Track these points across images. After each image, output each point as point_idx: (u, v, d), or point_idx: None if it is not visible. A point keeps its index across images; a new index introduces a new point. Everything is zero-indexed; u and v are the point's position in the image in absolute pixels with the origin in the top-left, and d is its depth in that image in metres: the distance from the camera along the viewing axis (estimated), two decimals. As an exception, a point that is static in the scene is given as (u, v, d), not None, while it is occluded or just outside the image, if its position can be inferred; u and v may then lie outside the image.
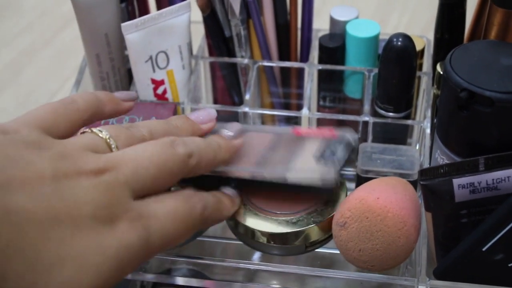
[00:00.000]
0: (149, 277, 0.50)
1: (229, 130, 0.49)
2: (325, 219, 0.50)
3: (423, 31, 0.86)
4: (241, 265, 0.49)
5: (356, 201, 0.47)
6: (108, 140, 0.39)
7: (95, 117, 0.42)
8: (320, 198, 0.50)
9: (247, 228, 0.50)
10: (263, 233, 0.50)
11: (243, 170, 0.48)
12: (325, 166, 0.48)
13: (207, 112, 0.49)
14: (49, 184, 0.33)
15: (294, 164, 0.49)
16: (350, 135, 0.51)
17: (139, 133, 0.41)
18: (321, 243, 0.51)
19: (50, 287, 0.32)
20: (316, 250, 0.55)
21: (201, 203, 0.42)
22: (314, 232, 0.50)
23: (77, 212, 0.33)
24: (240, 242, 0.53)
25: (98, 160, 0.36)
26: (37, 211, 0.32)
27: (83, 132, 0.40)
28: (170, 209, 0.39)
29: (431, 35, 0.61)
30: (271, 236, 0.50)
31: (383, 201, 0.46)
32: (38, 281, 0.32)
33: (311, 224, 0.50)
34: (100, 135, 0.39)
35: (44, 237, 0.32)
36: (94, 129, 0.39)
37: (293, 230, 0.50)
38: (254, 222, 0.50)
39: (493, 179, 0.44)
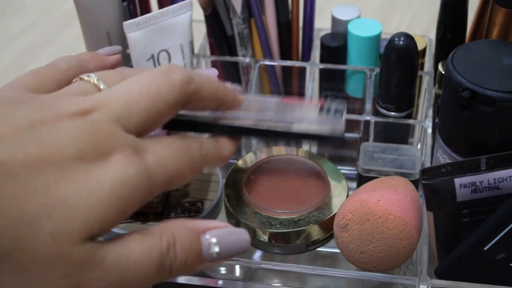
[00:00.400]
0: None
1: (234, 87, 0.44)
2: (326, 218, 0.50)
3: (425, 30, 0.86)
4: (243, 264, 0.49)
5: (357, 203, 0.47)
6: (96, 82, 0.37)
7: (80, 74, 0.39)
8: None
9: (249, 227, 0.50)
10: (265, 232, 0.50)
11: (246, 116, 0.43)
12: (333, 117, 0.45)
13: (211, 71, 0.46)
14: (26, 133, 0.31)
15: (300, 116, 0.45)
16: (338, 103, 0.47)
17: (129, 73, 0.38)
18: (323, 242, 0.51)
19: (38, 240, 0.29)
20: (318, 249, 0.55)
21: (197, 141, 0.39)
22: (316, 231, 0.50)
23: (59, 155, 0.31)
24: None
25: (83, 101, 0.34)
26: (14, 161, 0.30)
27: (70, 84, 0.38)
28: (167, 143, 0.36)
29: (433, 35, 0.61)
30: (273, 235, 0.50)
31: (384, 203, 0.46)
32: (23, 236, 0.29)
33: (312, 223, 0.50)
34: (87, 79, 0.37)
35: (25, 187, 0.30)
36: (82, 75, 0.37)
37: (294, 229, 0.50)
38: (256, 221, 0.50)
39: (494, 179, 0.44)
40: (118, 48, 0.45)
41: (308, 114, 0.46)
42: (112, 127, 0.33)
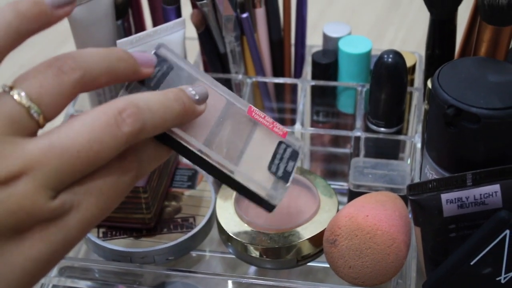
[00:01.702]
0: (143, 290, 0.51)
1: (195, 91, 0.39)
2: (316, 234, 0.51)
3: (418, 46, 0.87)
4: (235, 279, 0.50)
5: (345, 219, 0.47)
6: (30, 108, 0.31)
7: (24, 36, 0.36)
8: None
9: (240, 243, 0.51)
10: (256, 248, 0.50)
11: (192, 141, 0.40)
12: (277, 183, 0.43)
13: (148, 57, 0.39)
14: None
15: (245, 161, 0.42)
16: (297, 143, 0.46)
17: (70, 79, 0.33)
18: (313, 257, 0.52)
19: None
20: (310, 264, 0.56)
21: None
22: (306, 247, 0.51)
23: None
24: (234, 256, 0.54)
25: (11, 164, 0.30)
26: None
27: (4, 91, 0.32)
28: (98, 188, 0.33)
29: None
30: (263, 251, 0.50)
31: (373, 218, 0.47)
32: None
33: (302, 239, 0.50)
34: (17, 99, 0.31)
35: None
36: (12, 91, 0.32)
37: (284, 245, 0.50)
38: (247, 237, 0.51)
39: (480, 194, 0.44)
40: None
41: (260, 163, 0.43)
42: (36, 199, 0.30)
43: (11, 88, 0.32)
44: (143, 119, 0.33)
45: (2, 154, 0.30)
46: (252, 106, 0.45)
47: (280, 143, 0.45)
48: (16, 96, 0.32)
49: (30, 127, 0.32)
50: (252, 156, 0.43)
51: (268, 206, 0.43)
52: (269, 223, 0.52)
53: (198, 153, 0.40)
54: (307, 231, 0.51)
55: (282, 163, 0.44)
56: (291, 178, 0.44)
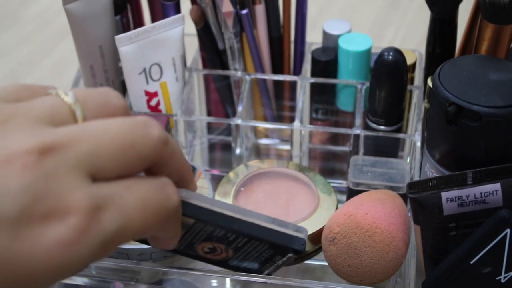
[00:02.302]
0: (142, 287, 0.51)
1: None
2: (314, 231, 0.50)
3: (418, 45, 0.87)
4: (233, 277, 0.49)
5: (344, 217, 0.47)
6: (73, 106, 0.31)
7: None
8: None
9: None
10: None
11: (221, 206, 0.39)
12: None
13: None
14: None
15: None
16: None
17: (114, 102, 0.33)
18: (311, 255, 0.52)
19: None
20: (308, 262, 0.55)
21: (176, 194, 0.33)
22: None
23: None
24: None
25: (44, 135, 0.28)
26: None
27: (46, 95, 0.32)
28: (139, 196, 0.31)
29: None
30: None
31: (372, 216, 0.46)
32: None
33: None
34: (64, 98, 0.31)
35: None
36: (59, 91, 0.31)
37: None
38: None
39: (481, 193, 0.44)
40: None
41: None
42: (69, 177, 0.28)
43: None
44: (166, 134, 0.33)
45: (36, 127, 0.29)
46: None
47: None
48: (63, 95, 0.31)
49: (69, 122, 0.31)
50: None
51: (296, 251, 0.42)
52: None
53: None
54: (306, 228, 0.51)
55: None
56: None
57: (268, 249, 0.42)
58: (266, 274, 0.44)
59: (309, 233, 0.50)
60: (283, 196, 0.54)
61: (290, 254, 0.43)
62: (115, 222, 0.29)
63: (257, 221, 0.40)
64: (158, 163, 0.33)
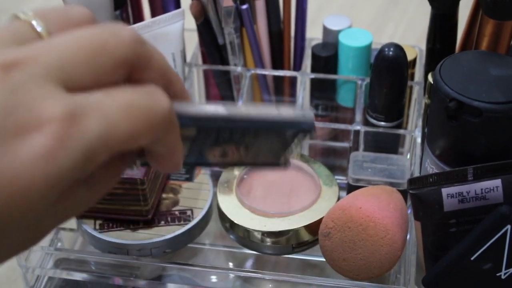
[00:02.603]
0: (141, 283, 0.51)
1: None
2: (313, 221, 0.51)
3: (418, 41, 0.86)
4: (232, 273, 0.50)
5: (339, 211, 0.47)
6: (34, 23, 0.30)
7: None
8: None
9: (241, 227, 0.51)
10: (255, 232, 0.51)
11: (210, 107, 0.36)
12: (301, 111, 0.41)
13: None
14: None
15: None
16: None
17: (77, 11, 0.31)
18: (309, 245, 0.52)
19: None
20: (307, 258, 0.56)
21: (171, 104, 0.30)
22: (303, 234, 0.51)
23: None
24: (231, 250, 0.54)
25: (8, 52, 0.27)
26: None
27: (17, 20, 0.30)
28: (122, 100, 0.28)
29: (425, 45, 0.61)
30: (262, 235, 0.51)
31: (366, 210, 0.46)
32: None
33: (300, 225, 0.50)
34: (23, 17, 0.30)
35: None
36: (18, 14, 0.30)
37: (282, 230, 0.51)
38: (246, 222, 0.51)
39: (481, 189, 0.44)
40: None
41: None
42: (39, 89, 0.26)
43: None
44: (141, 36, 0.30)
45: None
46: None
47: None
48: (22, 15, 0.30)
49: (33, 40, 0.29)
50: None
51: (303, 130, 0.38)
52: (269, 208, 0.52)
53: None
54: (305, 218, 0.51)
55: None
56: None
57: (278, 137, 0.41)
58: (282, 163, 0.41)
59: (309, 223, 0.51)
60: (286, 185, 0.54)
61: (301, 135, 0.41)
62: (97, 126, 0.27)
63: (258, 112, 0.39)
64: (137, 66, 0.30)
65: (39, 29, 0.29)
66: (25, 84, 0.26)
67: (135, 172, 0.51)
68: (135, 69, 0.30)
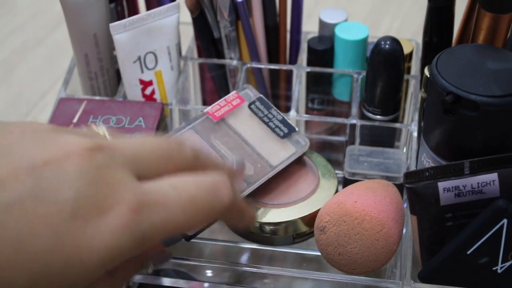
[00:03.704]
0: (136, 277, 0.50)
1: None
2: (312, 212, 0.51)
3: (414, 34, 0.86)
4: (228, 267, 0.49)
5: (334, 206, 0.47)
6: (107, 135, 0.35)
7: None
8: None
9: None
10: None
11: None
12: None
13: None
14: (24, 182, 0.29)
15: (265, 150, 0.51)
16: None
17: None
18: (309, 235, 0.52)
19: None
20: (304, 252, 0.55)
21: (232, 193, 0.35)
22: (302, 224, 0.51)
23: (57, 215, 0.29)
24: (227, 244, 0.54)
25: (92, 140, 0.31)
26: (7, 222, 0.28)
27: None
28: (187, 196, 0.33)
29: (422, 39, 0.61)
30: (261, 226, 0.51)
31: (361, 204, 0.46)
32: None
33: (299, 216, 0.51)
34: (97, 130, 0.35)
35: (13, 256, 0.28)
36: (92, 125, 0.35)
37: (282, 221, 0.50)
38: None
39: (478, 183, 0.44)
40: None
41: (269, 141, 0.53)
42: (117, 173, 0.31)
43: None
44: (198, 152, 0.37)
45: (80, 137, 0.32)
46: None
47: None
48: (95, 128, 0.35)
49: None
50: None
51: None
52: (268, 199, 0.52)
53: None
54: (304, 209, 0.51)
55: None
56: None
57: None
58: None
59: (307, 214, 0.51)
60: (284, 176, 0.54)
61: None
62: (157, 219, 0.32)
63: None
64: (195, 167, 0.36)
65: (105, 132, 0.35)
66: (108, 166, 0.31)
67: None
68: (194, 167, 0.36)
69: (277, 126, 0.53)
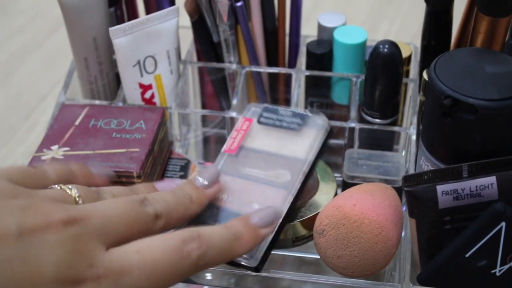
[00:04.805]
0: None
1: (203, 178, 0.46)
2: (311, 215, 0.51)
3: (413, 38, 0.87)
4: (227, 270, 0.49)
5: (333, 209, 0.47)
6: (77, 199, 0.38)
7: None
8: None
9: None
10: None
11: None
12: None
13: (169, 184, 0.48)
14: (13, 245, 0.32)
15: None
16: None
17: (107, 196, 0.40)
18: (308, 238, 0.52)
19: None
20: (303, 255, 0.55)
21: (200, 250, 0.38)
22: (301, 228, 0.51)
23: (39, 276, 0.32)
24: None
25: (67, 209, 0.35)
26: None
27: (50, 188, 0.39)
28: (151, 260, 0.36)
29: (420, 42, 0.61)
30: None
31: (360, 207, 0.46)
32: None
33: (298, 219, 0.51)
34: (69, 192, 0.38)
35: None
36: (63, 186, 0.39)
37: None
38: None
39: (476, 186, 0.44)
40: (109, 172, 0.47)
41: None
42: (90, 242, 0.35)
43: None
44: (159, 207, 0.40)
45: (57, 206, 0.35)
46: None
47: None
48: (67, 190, 0.39)
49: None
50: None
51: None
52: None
53: None
54: (303, 212, 0.51)
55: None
56: None
57: None
58: None
59: (306, 217, 0.51)
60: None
61: None
62: (124, 286, 0.35)
63: None
64: (158, 233, 0.39)
65: (80, 203, 0.38)
66: (81, 238, 0.34)
67: (132, 165, 0.51)
68: (157, 233, 0.39)
69: (290, 123, 0.52)
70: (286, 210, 0.47)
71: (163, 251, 0.36)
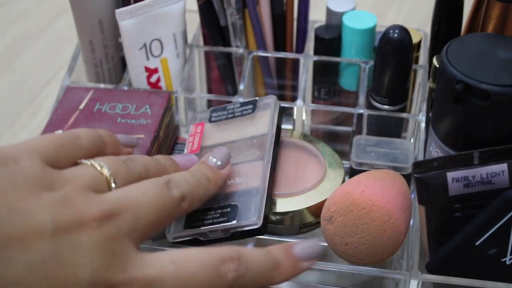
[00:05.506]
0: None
1: (215, 157, 0.46)
2: (318, 202, 0.50)
3: (421, 24, 0.86)
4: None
5: (341, 195, 0.46)
6: (109, 178, 0.37)
7: (96, 156, 0.40)
8: None
9: None
10: None
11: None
12: None
13: (191, 157, 0.47)
14: (48, 243, 0.31)
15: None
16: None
17: (137, 169, 0.40)
18: (315, 225, 0.52)
19: None
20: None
21: (238, 272, 0.36)
22: (308, 214, 0.51)
23: (74, 279, 0.32)
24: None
25: (100, 204, 0.34)
26: (32, 283, 0.31)
27: (81, 163, 0.38)
28: (185, 273, 0.35)
29: (429, 29, 0.60)
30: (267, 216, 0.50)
31: (368, 194, 0.46)
32: None
33: (305, 206, 0.50)
34: (100, 170, 0.37)
35: None
36: (94, 163, 0.37)
37: (288, 211, 0.50)
38: None
39: (487, 173, 0.44)
40: (135, 141, 0.46)
41: None
42: (123, 246, 0.34)
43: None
44: (184, 189, 0.40)
45: (91, 200, 0.34)
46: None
47: None
48: (98, 167, 0.37)
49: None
50: None
51: None
52: (274, 189, 0.51)
53: None
54: (311, 199, 0.51)
55: None
56: None
57: None
58: None
59: (313, 204, 0.51)
60: (291, 165, 0.54)
61: None
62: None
63: None
64: (180, 216, 0.41)
65: (112, 184, 0.37)
66: (115, 238, 0.34)
67: (136, 152, 0.50)
68: (179, 216, 0.41)
69: (242, 111, 0.54)
70: (267, 181, 0.49)
71: (199, 266, 0.35)
